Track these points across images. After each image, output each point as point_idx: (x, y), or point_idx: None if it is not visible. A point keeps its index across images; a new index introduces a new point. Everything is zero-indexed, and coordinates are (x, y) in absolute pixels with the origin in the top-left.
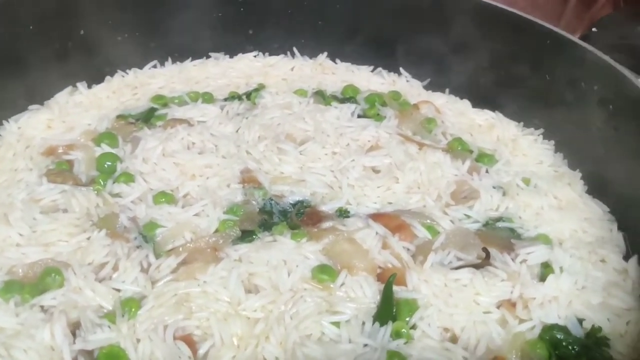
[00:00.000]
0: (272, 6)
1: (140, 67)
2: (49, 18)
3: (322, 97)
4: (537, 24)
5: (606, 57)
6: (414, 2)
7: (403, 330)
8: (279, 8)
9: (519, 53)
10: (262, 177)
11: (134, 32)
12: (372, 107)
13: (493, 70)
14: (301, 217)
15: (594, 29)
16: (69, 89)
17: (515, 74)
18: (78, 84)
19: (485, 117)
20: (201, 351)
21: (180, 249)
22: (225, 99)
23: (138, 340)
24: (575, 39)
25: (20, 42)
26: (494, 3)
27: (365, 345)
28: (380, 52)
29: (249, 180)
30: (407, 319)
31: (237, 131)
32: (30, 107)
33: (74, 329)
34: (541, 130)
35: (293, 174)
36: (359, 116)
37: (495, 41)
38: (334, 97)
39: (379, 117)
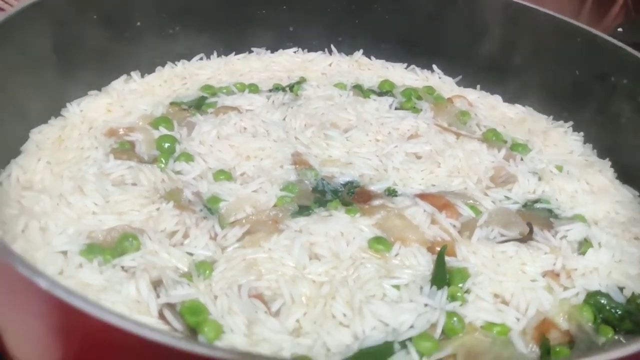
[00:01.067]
0: (312, 5)
1: (188, 59)
2: (112, 8)
3: (360, 90)
4: (566, 22)
5: (636, 52)
6: (445, 3)
7: (458, 294)
8: (318, 7)
9: (548, 50)
10: (312, 160)
11: (183, 27)
12: (409, 100)
13: (523, 66)
14: (352, 196)
15: (619, 29)
16: (124, 77)
17: (544, 70)
18: (132, 73)
19: (516, 111)
20: (273, 308)
21: (244, 220)
22: (270, 90)
23: (215, 297)
24: (605, 35)
25: (83, 31)
26: (521, 1)
27: (426, 305)
28: (413, 50)
29: (300, 162)
30: (460, 285)
31: (284, 119)
32: (89, 92)
33: (155, 286)
34: (570, 123)
35: (341, 157)
36: (397, 109)
37: (524, 38)
38: (372, 91)
39: (415, 110)
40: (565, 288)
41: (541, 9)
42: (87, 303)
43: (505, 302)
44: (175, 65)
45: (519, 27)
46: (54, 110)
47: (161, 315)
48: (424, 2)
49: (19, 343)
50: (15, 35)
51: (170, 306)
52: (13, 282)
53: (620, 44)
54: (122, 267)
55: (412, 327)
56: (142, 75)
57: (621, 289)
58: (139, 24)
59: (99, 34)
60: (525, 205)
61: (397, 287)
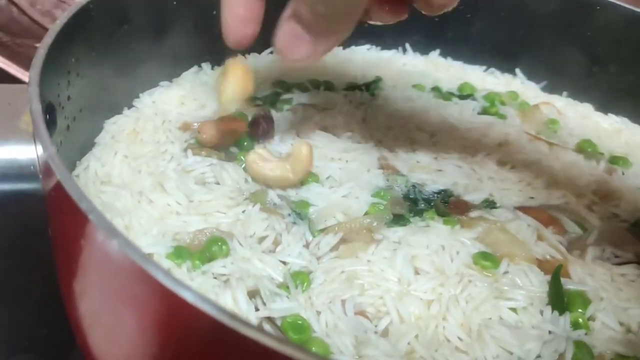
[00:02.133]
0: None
1: (259, 52)
2: None
3: (439, 92)
4: None
5: None
6: (529, 2)
7: (580, 320)
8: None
9: None
10: (400, 165)
11: None
12: (493, 105)
13: (617, 74)
14: (447, 206)
15: None
16: (195, 68)
17: None
18: (203, 65)
19: (610, 122)
20: (379, 327)
21: (336, 228)
22: (345, 89)
23: (318, 312)
24: None
25: (159, 18)
26: (619, 2)
27: (550, 332)
28: (493, 52)
29: (387, 167)
30: (580, 310)
31: (363, 119)
32: (161, 83)
33: (250, 297)
34: None
35: (430, 163)
36: (479, 114)
37: (619, 42)
38: (452, 94)
39: (500, 116)
40: None
41: (637, 9)
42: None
43: (631, 332)
44: (246, 58)
45: (611, 29)
46: (127, 101)
47: (261, 330)
48: (505, 4)
49: (107, 342)
50: (87, 23)
51: (271, 320)
52: (127, 277)
53: None
54: (213, 274)
55: (539, 356)
56: (213, 68)
57: None
58: (215, 12)
59: (174, 22)
60: (635, 224)
61: (514, 310)
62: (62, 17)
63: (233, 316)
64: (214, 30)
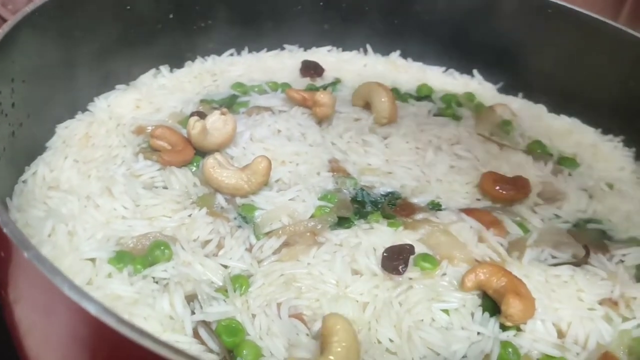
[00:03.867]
0: (348, 3)
1: (219, 54)
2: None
3: (397, 94)
4: (620, 29)
5: None
6: (488, 5)
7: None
8: (355, 6)
9: (599, 59)
10: (350, 168)
11: (215, 20)
12: (449, 106)
13: (569, 75)
14: (393, 208)
15: None
16: (153, 71)
17: (593, 80)
18: (161, 67)
19: (562, 122)
20: (314, 330)
21: (280, 231)
22: (304, 90)
23: (253, 316)
24: None
25: (115, 22)
26: (573, 7)
27: (479, 333)
28: (453, 53)
29: (337, 169)
30: None
31: (319, 122)
32: (117, 86)
33: (189, 301)
34: (621, 137)
35: (380, 166)
36: (435, 115)
37: (574, 46)
38: (410, 95)
39: (455, 117)
40: (625, 318)
41: (592, 14)
42: (121, 323)
43: (561, 332)
44: (206, 60)
45: (566, 33)
46: (81, 104)
47: (196, 334)
48: (464, 5)
49: (39, 350)
50: (42, 26)
51: (206, 324)
52: (41, 289)
53: None
54: (154, 278)
55: (465, 357)
56: (171, 70)
57: None
58: (171, 16)
59: (131, 25)
60: (576, 225)
61: (446, 311)
62: (2, 27)
63: (133, 328)
64: (173, 34)
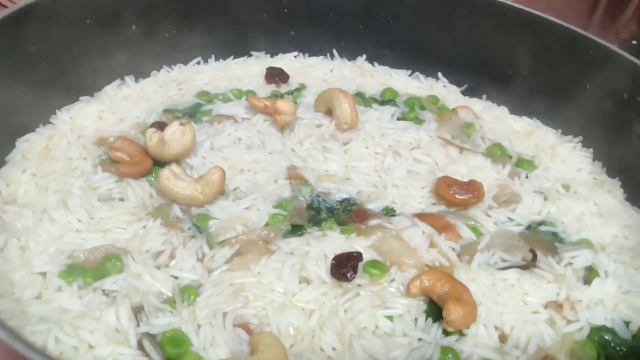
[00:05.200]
0: (314, 9)
1: (185, 63)
2: (105, 12)
3: (362, 98)
4: (578, 33)
5: None
6: (452, 9)
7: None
8: (321, 11)
9: (559, 61)
10: (308, 174)
11: (180, 29)
12: (412, 110)
13: (531, 77)
14: (348, 214)
15: (634, 42)
16: (117, 81)
17: (554, 82)
18: (126, 78)
19: (523, 124)
20: None
21: (233, 240)
22: (268, 98)
23: (199, 326)
24: (621, 51)
25: (76, 34)
26: (532, 11)
27: (420, 339)
28: (418, 56)
29: (295, 177)
30: None
31: (281, 129)
32: (81, 98)
33: (136, 312)
34: (580, 138)
35: (338, 172)
36: (399, 119)
37: (534, 49)
38: (374, 100)
39: (418, 121)
40: (569, 321)
41: (552, 18)
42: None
43: (504, 336)
44: (171, 69)
45: (528, 36)
46: (43, 117)
47: (140, 346)
48: (429, 9)
49: None
50: (2, 38)
51: (151, 336)
52: None
53: (635, 59)
54: (103, 291)
55: None
56: (137, 80)
57: (627, 323)
58: (134, 27)
59: (93, 37)
60: (529, 228)
61: (390, 318)
62: None
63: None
64: (137, 44)
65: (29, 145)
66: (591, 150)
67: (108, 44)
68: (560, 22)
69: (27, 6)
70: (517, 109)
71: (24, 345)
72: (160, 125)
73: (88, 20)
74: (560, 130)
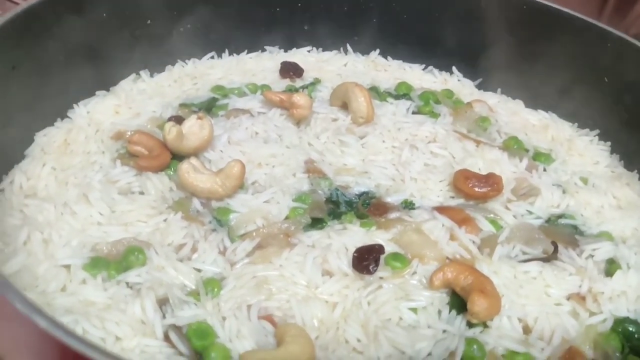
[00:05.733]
0: (328, 3)
1: (199, 57)
2: (121, 6)
3: (376, 93)
4: (597, 26)
5: None
6: (466, 2)
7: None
8: (334, 6)
9: (575, 55)
10: (326, 168)
11: (195, 24)
12: (427, 104)
13: (547, 71)
14: (367, 208)
15: None
16: (133, 76)
17: (570, 75)
18: (141, 72)
19: (539, 117)
20: None
21: (254, 233)
22: (283, 92)
23: (224, 318)
24: (637, 42)
25: (92, 29)
26: (548, 3)
27: (444, 331)
28: (432, 51)
29: (313, 170)
30: None
31: (297, 123)
32: (97, 92)
33: (161, 305)
34: (597, 132)
35: (356, 166)
36: (414, 112)
37: (550, 43)
38: (388, 94)
39: (433, 114)
40: (592, 313)
41: (568, 10)
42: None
43: (528, 327)
44: (186, 64)
45: (544, 29)
46: (61, 111)
47: (167, 337)
48: (443, 2)
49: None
50: (20, 34)
51: (177, 328)
52: (13, 318)
53: None
54: (127, 284)
55: (430, 354)
56: (152, 75)
57: None
58: (149, 22)
59: (109, 32)
60: (548, 221)
61: (414, 310)
62: None
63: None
64: (152, 39)
65: (48, 139)
66: (609, 143)
67: (124, 38)
68: (577, 14)
69: (43, 1)
70: (533, 103)
71: (65, 333)
72: (178, 119)
73: (104, 14)
74: (576, 124)
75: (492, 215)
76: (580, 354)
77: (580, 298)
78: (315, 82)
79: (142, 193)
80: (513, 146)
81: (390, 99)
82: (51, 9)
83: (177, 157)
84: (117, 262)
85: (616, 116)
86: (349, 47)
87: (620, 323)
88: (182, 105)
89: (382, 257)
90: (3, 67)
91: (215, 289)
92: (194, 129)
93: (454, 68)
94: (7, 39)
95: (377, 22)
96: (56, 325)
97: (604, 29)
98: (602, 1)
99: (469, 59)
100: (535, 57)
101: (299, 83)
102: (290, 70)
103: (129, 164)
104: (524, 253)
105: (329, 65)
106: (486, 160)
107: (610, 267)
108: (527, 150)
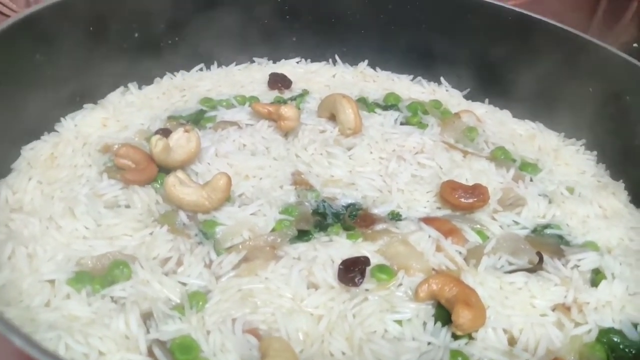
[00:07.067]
0: (316, 15)
1: (188, 69)
2: (108, 19)
3: (364, 103)
4: (580, 37)
5: None
6: (453, 13)
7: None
8: (322, 17)
9: (561, 65)
10: (313, 180)
11: (182, 36)
12: (415, 115)
13: (534, 81)
14: (354, 219)
15: (635, 45)
16: (121, 89)
17: (556, 85)
18: (129, 85)
19: (526, 127)
20: None
21: (240, 246)
22: (271, 103)
23: (208, 332)
24: (622, 53)
25: (79, 42)
26: (533, 15)
27: (429, 343)
28: (420, 61)
29: (300, 182)
30: None
31: (285, 135)
32: (85, 105)
33: (145, 319)
34: (583, 141)
35: (343, 177)
36: (402, 123)
37: (537, 53)
38: (377, 104)
39: (421, 125)
40: (577, 324)
41: (553, 22)
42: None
43: (513, 339)
44: (174, 76)
45: (530, 40)
46: (48, 125)
47: (150, 352)
48: (430, 13)
49: None
50: (6, 47)
51: (160, 342)
52: None
53: (636, 61)
54: (112, 298)
55: None
56: (140, 87)
57: (635, 325)
58: (137, 35)
59: (96, 45)
60: (534, 231)
61: (399, 322)
62: None
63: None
64: (139, 52)
65: (34, 153)
66: (595, 153)
67: (111, 51)
68: (561, 25)
69: (30, 15)
70: (520, 113)
71: (39, 351)
72: (165, 132)
73: (91, 28)
74: (563, 134)
75: (478, 226)
76: None
77: (566, 308)
78: (304, 93)
79: (128, 206)
80: (500, 156)
81: (378, 110)
82: (38, 23)
83: (164, 170)
84: (102, 276)
85: (602, 126)
86: (337, 58)
87: (605, 333)
88: (170, 118)
89: (368, 269)
90: None
91: (200, 303)
92: (181, 141)
93: (442, 78)
94: None
95: (365, 33)
96: (32, 344)
97: (588, 40)
98: (591, 9)
99: (457, 69)
100: (521, 68)
101: (287, 94)
102: (278, 81)
103: (116, 177)
104: (510, 264)
105: (317, 77)
106: (473, 170)
107: (596, 277)
108: (514, 161)
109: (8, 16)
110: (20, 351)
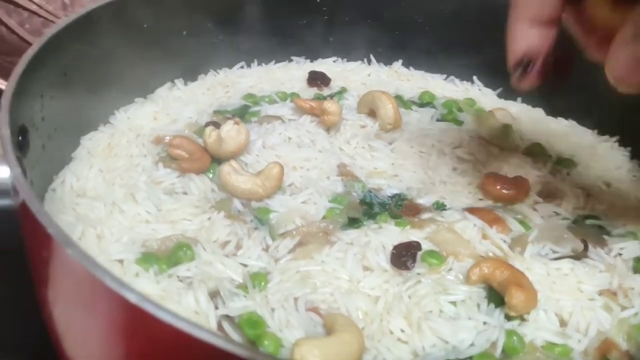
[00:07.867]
0: (352, 17)
1: (230, 67)
2: (159, 19)
3: (401, 101)
4: None
5: None
6: (485, 16)
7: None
8: (359, 18)
9: (591, 64)
10: (358, 172)
11: (226, 35)
12: (450, 112)
13: (566, 79)
14: (400, 209)
15: None
16: (168, 84)
17: (588, 83)
18: (176, 81)
19: (560, 125)
20: None
21: (294, 232)
22: (312, 99)
23: (273, 310)
24: None
25: (132, 40)
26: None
27: (485, 323)
28: (452, 61)
29: (346, 173)
30: None
31: (327, 129)
32: (135, 99)
33: (212, 297)
34: (616, 138)
35: (386, 169)
36: (438, 120)
37: (568, 51)
38: (413, 102)
39: (457, 122)
40: (623, 307)
41: None
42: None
43: (563, 321)
44: (217, 73)
45: (561, 39)
46: (103, 117)
47: (220, 327)
48: (462, 15)
49: (79, 345)
50: (65, 47)
51: (229, 318)
52: (83, 284)
53: None
54: (178, 277)
55: (472, 345)
56: (186, 83)
57: None
58: (185, 32)
59: (147, 42)
60: (575, 221)
61: (453, 303)
62: (32, 47)
63: (175, 316)
64: (186, 49)
65: (93, 142)
66: (629, 149)
67: (161, 49)
68: None
69: (90, 12)
70: (553, 111)
71: (154, 306)
72: (215, 125)
73: (145, 25)
74: (596, 131)
75: (520, 216)
76: (615, 345)
77: (612, 293)
78: (342, 90)
79: (185, 193)
80: (536, 151)
81: (414, 107)
82: (98, 20)
83: (215, 160)
84: (166, 257)
85: (635, 122)
86: (372, 58)
87: None
88: (216, 112)
89: (419, 253)
90: (57, 74)
91: (262, 283)
92: (232, 133)
93: (474, 77)
94: (59, 47)
95: (400, 35)
96: (146, 300)
97: None
98: None
99: (489, 68)
100: (554, 67)
101: (326, 92)
102: (317, 79)
103: (171, 167)
104: (554, 252)
105: (353, 75)
106: (511, 164)
107: (637, 265)
108: (549, 156)
109: (44, 18)
110: (134, 307)
